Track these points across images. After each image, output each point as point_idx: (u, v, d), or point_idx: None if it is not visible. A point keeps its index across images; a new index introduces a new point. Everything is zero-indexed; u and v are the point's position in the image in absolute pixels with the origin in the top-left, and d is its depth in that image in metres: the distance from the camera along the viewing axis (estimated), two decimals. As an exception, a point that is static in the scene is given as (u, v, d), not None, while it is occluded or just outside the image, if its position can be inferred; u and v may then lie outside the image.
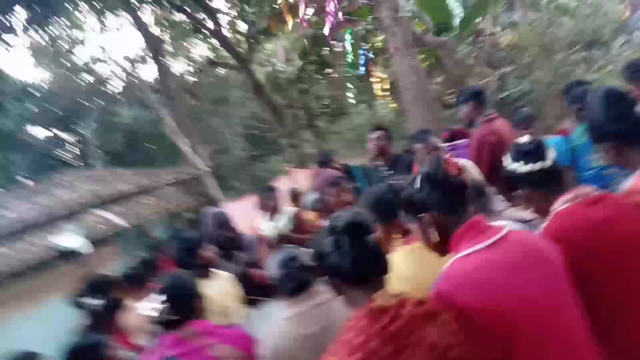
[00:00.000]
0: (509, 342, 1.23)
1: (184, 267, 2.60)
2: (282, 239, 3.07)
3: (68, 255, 8.22)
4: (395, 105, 12.94)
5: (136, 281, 2.94)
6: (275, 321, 1.94)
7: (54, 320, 6.47)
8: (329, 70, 10.98)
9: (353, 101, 12.38)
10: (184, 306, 1.95)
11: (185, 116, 14.66)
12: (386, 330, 1.20)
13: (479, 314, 1.23)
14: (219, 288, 2.72)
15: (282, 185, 7.98)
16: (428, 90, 7.00)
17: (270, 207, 3.89)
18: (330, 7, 5.60)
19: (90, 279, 2.77)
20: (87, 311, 2.61)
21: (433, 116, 6.73)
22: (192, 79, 15.96)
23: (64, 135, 15.68)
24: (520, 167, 1.66)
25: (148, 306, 1.93)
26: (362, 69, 5.88)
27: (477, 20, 9.31)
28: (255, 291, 2.98)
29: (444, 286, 1.32)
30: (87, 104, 15.16)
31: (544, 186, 1.65)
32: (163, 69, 14.77)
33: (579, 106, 3.36)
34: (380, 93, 10.11)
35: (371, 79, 11.36)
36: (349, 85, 11.50)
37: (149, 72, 17.17)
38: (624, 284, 1.45)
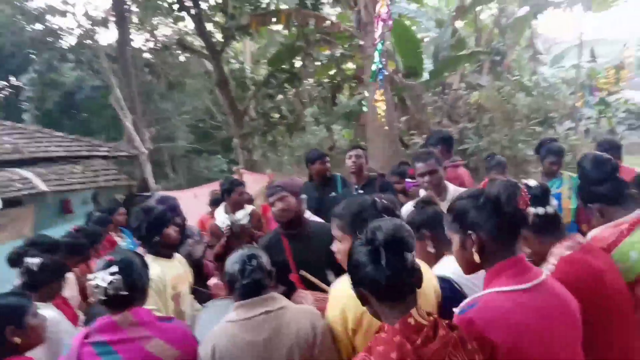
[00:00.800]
0: None
1: (145, 243, 2.39)
2: (242, 232, 2.92)
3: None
4: (350, 133, 13.18)
5: (76, 251, 2.65)
6: (222, 323, 1.81)
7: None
8: (296, 84, 10.96)
9: (311, 119, 12.43)
10: (134, 284, 1.78)
11: (135, 92, 13.93)
12: (420, 350, 1.20)
13: (507, 352, 1.29)
14: (177, 271, 2.53)
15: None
16: (393, 125, 7.19)
17: (235, 202, 3.72)
18: (383, 11, 5.87)
19: (33, 237, 2.46)
20: (24, 270, 2.30)
21: (394, 151, 6.91)
22: (151, 57, 15.25)
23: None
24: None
25: (97, 276, 1.74)
26: (380, 80, 6.16)
27: (446, 74, 9.82)
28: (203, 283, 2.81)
29: (478, 316, 1.35)
30: (30, 53, 13.94)
31: (544, 230, 1.73)
32: (124, 38, 14.02)
33: (552, 159, 3.61)
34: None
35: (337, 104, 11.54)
36: (313, 103, 11.58)
37: (107, 37, 16.16)
38: (610, 325, 1.61)
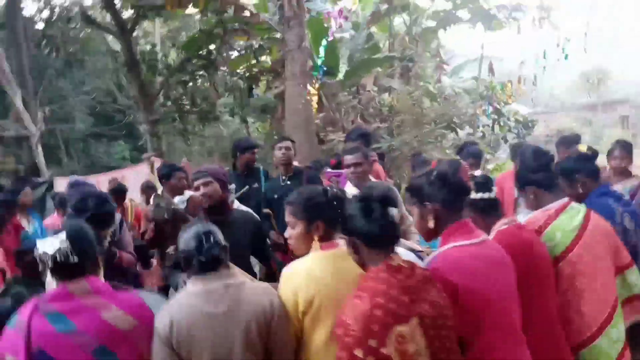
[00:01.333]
0: (479, 316, 1.67)
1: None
2: (176, 218, 2.81)
3: None
4: (265, 127, 13.10)
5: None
6: (179, 295, 1.82)
7: None
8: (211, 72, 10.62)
9: (225, 109, 12.14)
10: (85, 252, 1.70)
11: (26, 66, 12.52)
12: (404, 283, 1.52)
13: (462, 292, 1.66)
14: None
15: (141, 172, 7.32)
16: (311, 121, 7.29)
17: (173, 187, 3.53)
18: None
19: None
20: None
21: (311, 145, 7.01)
22: (45, 28, 13.75)
23: None
24: (473, 195, 2.08)
25: (44, 243, 1.65)
26: (321, 75, 6.46)
27: (361, 75, 10.17)
28: (116, 275, 2.65)
29: (439, 265, 1.73)
30: None
31: (487, 212, 2.12)
32: (15, 5, 12.54)
33: (472, 161, 4.02)
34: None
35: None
36: (228, 93, 11.31)
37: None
38: (533, 287, 1.98)
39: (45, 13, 14.02)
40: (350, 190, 2.82)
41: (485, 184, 2.12)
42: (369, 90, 9.80)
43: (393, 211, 1.60)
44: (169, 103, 11.14)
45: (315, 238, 1.90)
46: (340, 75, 10.09)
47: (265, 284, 1.95)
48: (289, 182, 3.64)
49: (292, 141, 3.78)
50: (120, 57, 11.55)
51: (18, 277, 2.90)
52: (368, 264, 1.62)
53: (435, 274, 1.66)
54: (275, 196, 3.54)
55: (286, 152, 3.68)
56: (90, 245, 1.75)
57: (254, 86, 11.32)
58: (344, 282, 1.75)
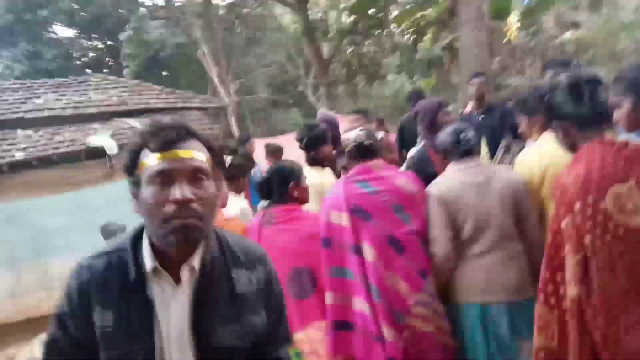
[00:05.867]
0: None
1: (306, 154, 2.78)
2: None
3: (95, 152, 8.30)
4: (430, 82, 12.98)
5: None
6: (444, 173, 2.31)
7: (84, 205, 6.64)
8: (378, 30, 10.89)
9: (392, 68, 12.34)
10: (373, 139, 2.36)
11: (219, 47, 14.50)
12: (618, 152, 1.57)
13: None
14: (330, 179, 2.99)
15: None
16: (489, 67, 7.08)
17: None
18: None
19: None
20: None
21: (488, 92, 6.84)
22: (226, 11, 15.63)
23: (96, 39, 15.36)
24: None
25: (350, 135, 2.35)
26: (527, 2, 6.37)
27: (540, 14, 9.34)
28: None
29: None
30: (123, 12, 14.83)
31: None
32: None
33: None
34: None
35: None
36: (395, 51, 11.47)
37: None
38: None
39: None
40: None
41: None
42: (550, 28, 9.00)
43: (602, 91, 1.65)
44: (341, 66, 11.83)
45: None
46: (513, 17, 9.44)
47: (507, 165, 2.42)
48: (483, 117, 3.76)
49: (485, 75, 3.86)
50: (290, 31, 12.58)
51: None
52: (580, 146, 1.70)
53: None
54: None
55: (479, 87, 3.79)
56: (375, 138, 2.39)
57: (419, 41, 11.29)
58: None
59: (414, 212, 2.16)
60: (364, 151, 2.27)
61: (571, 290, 1.56)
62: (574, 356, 1.56)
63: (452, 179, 2.21)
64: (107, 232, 4.42)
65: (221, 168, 1.18)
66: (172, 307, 1.10)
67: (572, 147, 1.72)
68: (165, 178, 1.03)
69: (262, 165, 6.10)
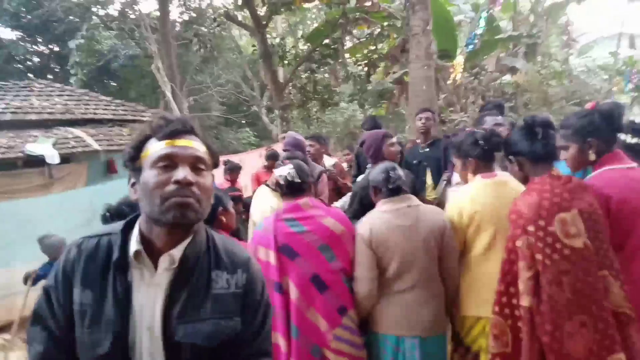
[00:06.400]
0: (629, 223, 1.93)
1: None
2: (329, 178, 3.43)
3: (35, 161, 7.93)
4: (381, 111, 13.50)
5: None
6: (374, 212, 2.34)
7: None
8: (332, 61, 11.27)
9: (344, 96, 12.75)
10: (304, 177, 2.37)
11: (174, 63, 14.35)
12: (564, 185, 1.88)
13: (614, 201, 1.94)
14: None
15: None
16: (434, 103, 7.52)
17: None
18: None
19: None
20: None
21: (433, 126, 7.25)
22: (184, 29, 15.58)
23: (42, 44, 14.73)
24: (629, 139, 2.36)
25: (281, 171, 2.36)
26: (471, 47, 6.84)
27: (482, 57, 10.07)
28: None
29: (593, 182, 2.01)
30: (74, 19, 14.38)
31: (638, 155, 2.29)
32: (164, 9, 14.38)
33: None
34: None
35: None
36: (348, 80, 11.88)
37: (147, 7, 16.49)
38: None
39: (185, 16, 15.89)
40: None
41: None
42: (491, 72, 9.70)
43: (553, 133, 1.97)
44: (296, 90, 12.09)
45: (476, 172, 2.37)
46: (458, 58, 10.10)
47: (436, 207, 2.46)
48: (427, 149, 4.02)
49: (432, 112, 4.14)
50: (247, 52, 12.74)
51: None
52: (532, 178, 1.99)
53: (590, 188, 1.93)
54: (415, 161, 3.98)
55: (426, 122, 4.05)
56: (306, 174, 2.39)
57: (371, 72, 11.78)
58: (501, 202, 2.17)
59: (339, 251, 2.23)
60: (295, 189, 2.34)
61: (524, 300, 1.81)
62: (525, 358, 1.79)
63: (381, 219, 2.25)
64: (46, 244, 4.24)
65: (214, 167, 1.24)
66: (147, 296, 1.12)
67: (525, 179, 2.03)
68: (169, 161, 1.09)
69: (217, 182, 6.09)
